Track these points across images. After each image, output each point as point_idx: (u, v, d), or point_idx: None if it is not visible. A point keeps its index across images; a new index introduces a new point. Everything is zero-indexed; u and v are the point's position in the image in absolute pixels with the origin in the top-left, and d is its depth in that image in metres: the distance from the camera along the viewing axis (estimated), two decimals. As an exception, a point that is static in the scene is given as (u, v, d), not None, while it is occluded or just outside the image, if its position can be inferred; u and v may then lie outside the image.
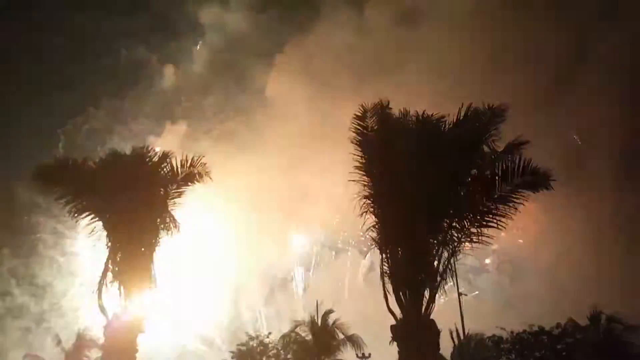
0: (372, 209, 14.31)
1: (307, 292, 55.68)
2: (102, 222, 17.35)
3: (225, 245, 51.50)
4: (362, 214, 14.26)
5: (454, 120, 13.82)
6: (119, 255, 17.14)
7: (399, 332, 13.55)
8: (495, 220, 13.58)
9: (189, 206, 18.96)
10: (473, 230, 13.66)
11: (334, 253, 58.95)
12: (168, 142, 52.80)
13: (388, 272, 13.82)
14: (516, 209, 13.45)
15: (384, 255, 13.97)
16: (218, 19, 60.20)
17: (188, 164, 18.13)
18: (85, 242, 18.11)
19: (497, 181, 13.65)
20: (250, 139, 55.92)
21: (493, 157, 13.68)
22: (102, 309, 16.86)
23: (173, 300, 41.74)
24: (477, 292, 51.68)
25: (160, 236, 18.04)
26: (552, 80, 52.91)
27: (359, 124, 14.42)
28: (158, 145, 52.56)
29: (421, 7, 57.48)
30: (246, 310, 55.04)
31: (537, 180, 13.40)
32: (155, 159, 18.22)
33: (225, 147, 52.68)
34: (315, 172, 49.48)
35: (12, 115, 52.63)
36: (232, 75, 61.11)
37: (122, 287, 16.94)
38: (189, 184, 18.28)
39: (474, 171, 13.92)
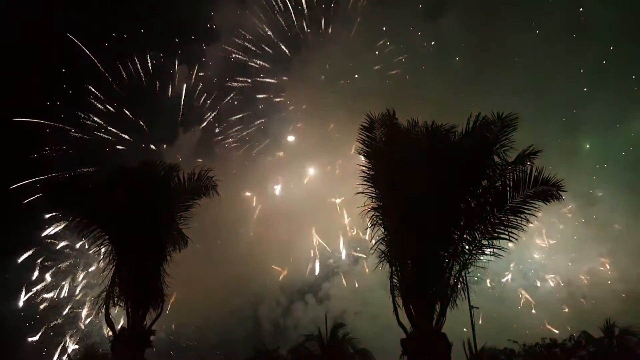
0: (380, 221, 14.13)
1: (329, 301, 54.81)
2: (109, 236, 17.26)
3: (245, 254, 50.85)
4: (371, 226, 14.07)
5: (464, 130, 13.61)
6: (126, 269, 17.00)
7: (409, 346, 13.30)
8: (506, 232, 13.33)
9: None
10: (484, 242, 13.42)
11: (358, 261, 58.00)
12: (182, 149, 52.57)
13: (398, 285, 13.59)
14: (528, 220, 13.21)
15: (393, 268, 13.75)
16: (233, 20, 58.81)
17: (195, 177, 18.06)
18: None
19: (508, 192, 13.43)
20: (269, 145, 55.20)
21: (504, 167, 13.45)
22: (109, 323, 16.70)
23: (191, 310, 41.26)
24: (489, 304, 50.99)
25: (168, 250, 17.89)
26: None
27: (366, 135, 14.28)
28: (172, 152, 52.86)
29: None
30: (265, 321, 54.72)
31: (548, 191, 13.18)
32: (162, 172, 18.09)
33: (241, 153, 52.32)
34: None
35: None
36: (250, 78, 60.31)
37: (129, 302, 16.78)
38: (196, 197, 18.18)
39: (484, 182, 13.67)
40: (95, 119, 56.28)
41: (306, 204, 54.26)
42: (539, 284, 54.88)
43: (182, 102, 59.35)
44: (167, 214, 17.77)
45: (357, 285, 55.23)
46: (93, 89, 55.86)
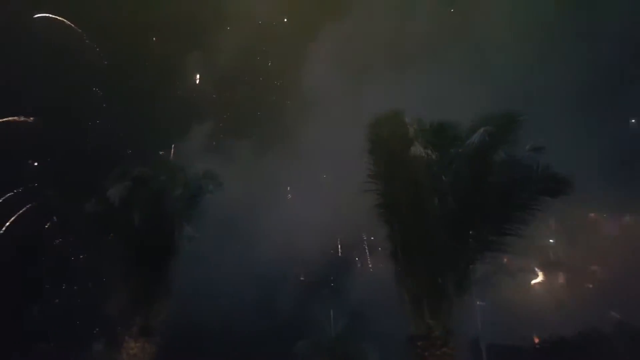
0: (386, 218, 14.11)
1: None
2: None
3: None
4: (377, 224, 14.08)
5: (470, 126, 13.56)
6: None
7: (416, 344, 13.28)
8: (514, 228, 13.25)
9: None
10: (492, 238, 13.36)
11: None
12: (194, 142, 51.69)
13: (406, 281, 13.58)
14: (535, 215, 13.13)
15: (400, 265, 13.73)
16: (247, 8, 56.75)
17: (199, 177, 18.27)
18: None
19: (514, 188, 13.36)
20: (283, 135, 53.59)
21: (510, 163, 13.38)
22: None
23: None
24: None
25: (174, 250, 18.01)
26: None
27: (372, 132, 14.25)
28: (185, 146, 52.09)
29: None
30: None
31: (556, 187, 13.09)
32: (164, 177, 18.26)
33: (254, 145, 51.10)
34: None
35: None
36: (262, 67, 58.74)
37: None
38: (200, 197, 18.35)
39: (491, 178, 13.60)
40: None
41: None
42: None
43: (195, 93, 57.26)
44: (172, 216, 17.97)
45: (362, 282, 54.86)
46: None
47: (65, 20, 47.10)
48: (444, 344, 13.06)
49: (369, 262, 55.49)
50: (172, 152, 49.60)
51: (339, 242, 53.02)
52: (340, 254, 53.99)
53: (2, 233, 40.44)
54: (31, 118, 43.69)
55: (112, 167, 18.49)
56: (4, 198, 40.53)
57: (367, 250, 54.24)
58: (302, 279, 46.59)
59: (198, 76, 58.12)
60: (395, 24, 53.99)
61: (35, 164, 42.76)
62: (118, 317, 17.78)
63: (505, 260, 14.04)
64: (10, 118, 42.53)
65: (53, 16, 46.20)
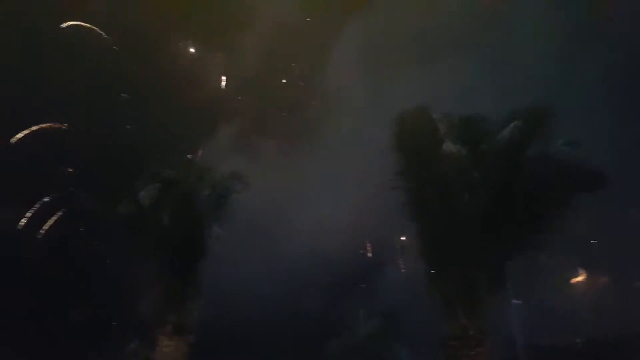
0: (415, 217, 13.91)
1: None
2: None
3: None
4: (403, 221, 13.91)
5: (501, 120, 13.23)
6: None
7: (450, 344, 13.05)
8: (550, 225, 12.86)
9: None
10: (527, 235, 13.01)
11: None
12: (221, 143, 51.94)
13: (436, 282, 13.38)
14: (573, 212, 12.72)
15: (430, 265, 13.52)
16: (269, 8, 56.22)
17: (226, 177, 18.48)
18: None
19: (549, 183, 12.97)
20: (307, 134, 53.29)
21: (544, 158, 13.00)
22: None
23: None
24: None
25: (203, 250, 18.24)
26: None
27: (398, 128, 14.02)
28: (209, 147, 52.66)
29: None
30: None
31: (592, 182, 12.67)
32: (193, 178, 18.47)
33: (279, 144, 51.04)
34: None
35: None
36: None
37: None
38: (227, 197, 18.53)
39: (524, 173, 13.23)
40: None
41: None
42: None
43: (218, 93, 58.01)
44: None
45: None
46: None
47: (93, 28, 48.27)
48: (479, 344, 12.82)
49: (398, 261, 55.04)
50: (199, 153, 50.13)
51: (367, 241, 52.78)
52: (368, 254, 53.76)
53: (40, 237, 41.78)
54: (64, 125, 44.89)
55: (142, 170, 18.86)
56: (41, 202, 41.86)
57: (396, 250, 53.80)
58: (329, 279, 46.57)
59: (224, 78, 58.64)
60: (419, 16, 53.10)
61: (69, 169, 43.95)
62: (152, 316, 18.08)
63: (542, 258, 13.60)
64: (43, 125, 43.76)
65: (81, 23, 47.30)
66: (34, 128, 43.66)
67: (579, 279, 49.31)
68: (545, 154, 13.09)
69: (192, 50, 57.24)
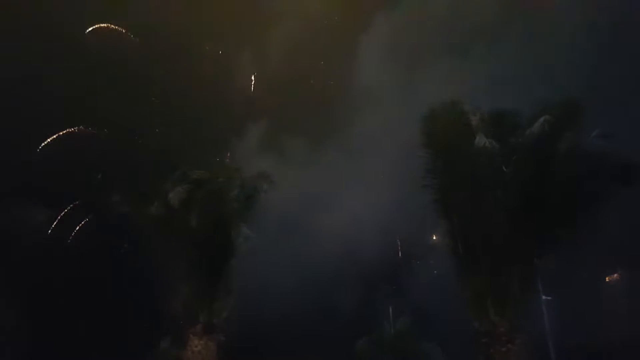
0: (446, 214, 13.77)
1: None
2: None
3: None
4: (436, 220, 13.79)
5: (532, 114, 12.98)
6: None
7: (481, 341, 12.91)
8: (583, 221, 12.57)
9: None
10: (559, 231, 12.75)
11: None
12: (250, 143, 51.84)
13: (467, 279, 13.23)
14: (608, 207, 12.41)
15: (462, 262, 13.37)
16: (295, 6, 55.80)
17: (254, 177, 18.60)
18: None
19: (582, 177, 12.67)
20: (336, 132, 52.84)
21: (576, 151, 12.70)
22: None
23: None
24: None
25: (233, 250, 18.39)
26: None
27: (428, 125, 13.88)
28: (239, 147, 52.75)
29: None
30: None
31: (628, 175, 12.32)
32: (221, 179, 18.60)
33: (308, 142, 50.66)
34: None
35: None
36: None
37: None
38: (255, 197, 18.63)
39: (556, 167, 12.95)
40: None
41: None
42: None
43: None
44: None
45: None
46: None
47: (121, 29, 48.84)
48: (509, 340, 12.65)
49: (428, 259, 54.46)
50: (228, 154, 50.44)
51: (397, 239, 52.42)
52: (398, 251, 53.39)
53: (70, 239, 42.73)
54: (94, 129, 45.71)
55: (172, 171, 19.09)
56: (71, 206, 42.77)
57: (426, 247, 53.19)
58: (359, 277, 46.42)
59: (253, 78, 58.87)
60: (446, 10, 52.31)
61: (98, 172, 44.77)
62: (182, 316, 18.34)
63: (575, 255, 13.31)
64: (71, 129, 44.59)
65: (108, 25, 47.83)
66: (62, 133, 44.44)
67: (614, 276, 48.02)
68: (577, 147, 12.79)
69: (219, 50, 57.61)
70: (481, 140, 12.50)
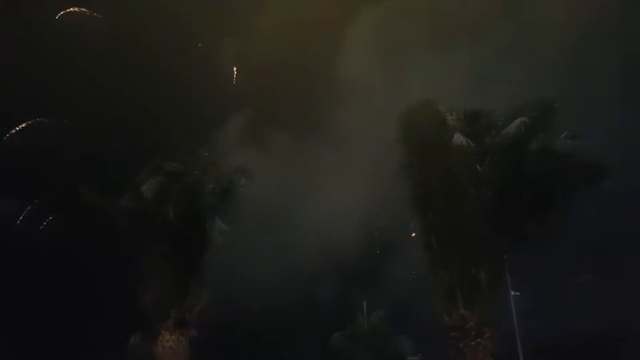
0: (420, 209, 13.96)
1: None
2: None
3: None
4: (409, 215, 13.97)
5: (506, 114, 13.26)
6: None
7: (450, 335, 13.15)
8: (553, 218, 12.91)
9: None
10: (529, 228, 13.05)
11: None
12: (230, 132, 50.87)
13: (438, 273, 13.44)
14: (576, 205, 12.77)
15: (433, 256, 13.58)
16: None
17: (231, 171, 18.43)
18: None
19: (552, 177, 13.01)
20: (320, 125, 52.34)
21: (547, 151, 13.03)
22: None
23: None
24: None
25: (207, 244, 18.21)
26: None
27: (405, 121, 14.03)
28: (220, 136, 51.76)
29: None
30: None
31: (594, 176, 12.69)
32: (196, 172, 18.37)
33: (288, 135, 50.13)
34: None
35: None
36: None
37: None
38: (232, 191, 18.45)
39: (528, 167, 13.26)
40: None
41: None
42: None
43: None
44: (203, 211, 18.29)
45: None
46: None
47: (95, 15, 47.21)
48: (479, 335, 12.90)
49: (406, 253, 54.65)
50: (206, 146, 49.80)
51: (375, 233, 52.83)
52: (372, 245, 53.73)
53: (40, 232, 41.62)
54: (64, 118, 44.42)
55: (144, 163, 18.71)
56: (41, 197, 41.63)
57: (404, 241, 53.34)
58: (335, 271, 46.59)
59: (235, 69, 58.15)
60: (427, 9, 52.51)
61: (69, 162, 43.57)
62: (154, 311, 18.05)
63: (545, 251, 13.66)
64: (40, 119, 43.27)
65: (81, 9, 46.13)
66: (30, 122, 43.06)
67: (582, 274, 49.11)
68: (547, 147, 13.10)
69: (200, 41, 56.71)
70: (458, 139, 12.70)
